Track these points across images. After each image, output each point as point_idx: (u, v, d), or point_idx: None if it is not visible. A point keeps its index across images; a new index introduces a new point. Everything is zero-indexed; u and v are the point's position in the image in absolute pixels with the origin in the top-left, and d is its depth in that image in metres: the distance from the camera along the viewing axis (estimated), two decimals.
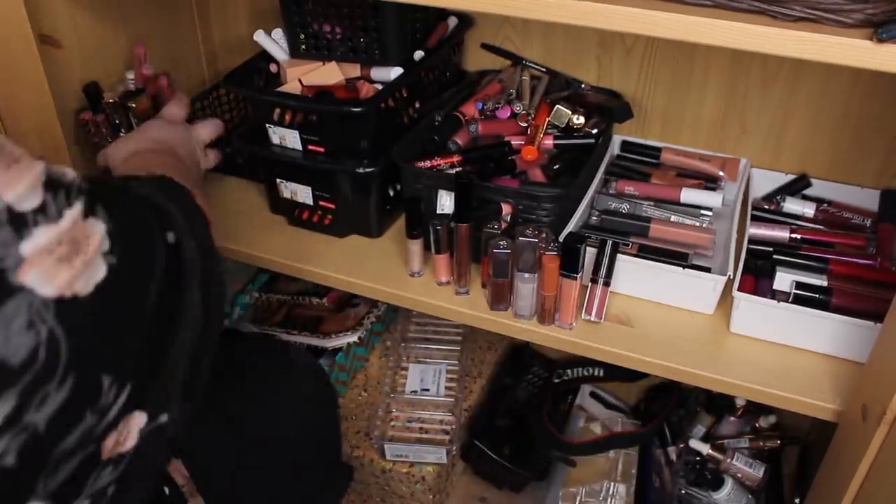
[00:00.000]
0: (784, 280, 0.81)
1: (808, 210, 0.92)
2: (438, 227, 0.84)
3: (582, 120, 0.96)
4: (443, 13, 1.03)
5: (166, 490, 0.71)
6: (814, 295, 0.79)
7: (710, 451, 1.05)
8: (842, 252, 0.85)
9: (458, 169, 0.91)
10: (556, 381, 1.24)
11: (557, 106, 0.95)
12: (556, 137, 0.95)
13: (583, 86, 1.03)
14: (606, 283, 0.81)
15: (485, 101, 1.00)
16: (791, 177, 0.97)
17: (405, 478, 1.09)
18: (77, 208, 0.43)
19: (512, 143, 0.96)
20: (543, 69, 1.04)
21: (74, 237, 0.42)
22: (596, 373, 1.22)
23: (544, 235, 0.79)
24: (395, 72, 0.94)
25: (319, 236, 0.98)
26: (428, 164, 0.90)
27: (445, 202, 0.87)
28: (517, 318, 0.84)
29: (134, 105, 0.98)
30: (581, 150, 0.95)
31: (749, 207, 0.92)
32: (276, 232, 1.00)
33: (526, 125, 0.97)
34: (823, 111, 0.94)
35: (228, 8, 1.19)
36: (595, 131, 0.95)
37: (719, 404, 1.13)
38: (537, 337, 0.84)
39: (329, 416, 0.90)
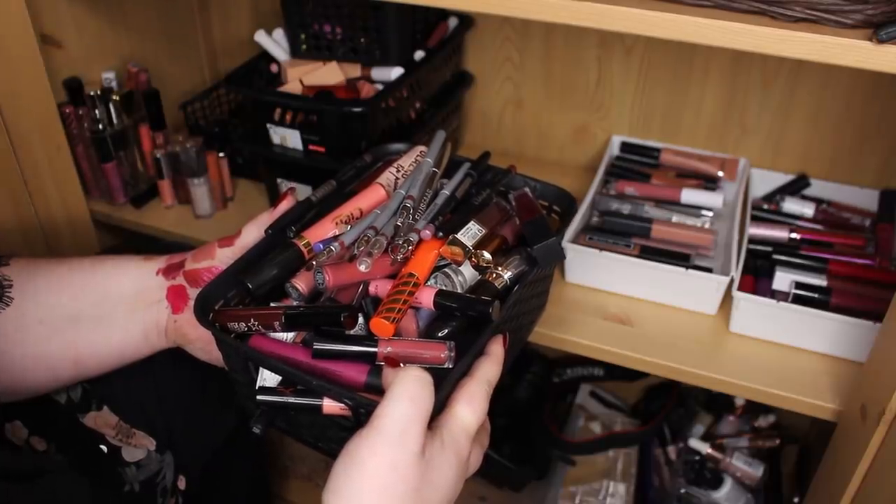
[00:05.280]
0: (783, 280, 0.81)
1: (808, 210, 0.93)
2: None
3: (489, 257, 0.62)
4: (443, 13, 1.03)
5: (104, 449, 0.71)
6: (813, 295, 0.79)
7: (710, 451, 1.05)
8: (841, 252, 0.85)
9: (282, 335, 0.60)
10: (556, 380, 1.24)
11: (455, 237, 0.61)
12: (441, 294, 0.59)
13: (525, 188, 0.70)
14: None
15: (328, 241, 0.63)
16: (790, 177, 0.97)
17: None
18: None
19: (363, 303, 0.62)
20: (469, 165, 0.72)
21: None
22: (596, 372, 1.22)
23: None
24: (396, 72, 0.94)
25: None
26: (242, 325, 0.58)
27: (268, 375, 0.59)
28: None
29: (115, 98, 0.99)
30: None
31: (749, 207, 0.92)
32: None
33: (396, 268, 0.62)
34: (823, 111, 0.94)
35: (229, 8, 1.19)
36: (508, 275, 0.62)
37: (719, 404, 1.13)
38: None
39: None
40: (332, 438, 0.59)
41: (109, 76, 1.03)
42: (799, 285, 0.80)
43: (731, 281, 0.80)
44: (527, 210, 0.66)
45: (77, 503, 0.62)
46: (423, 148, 0.73)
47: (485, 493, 1.21)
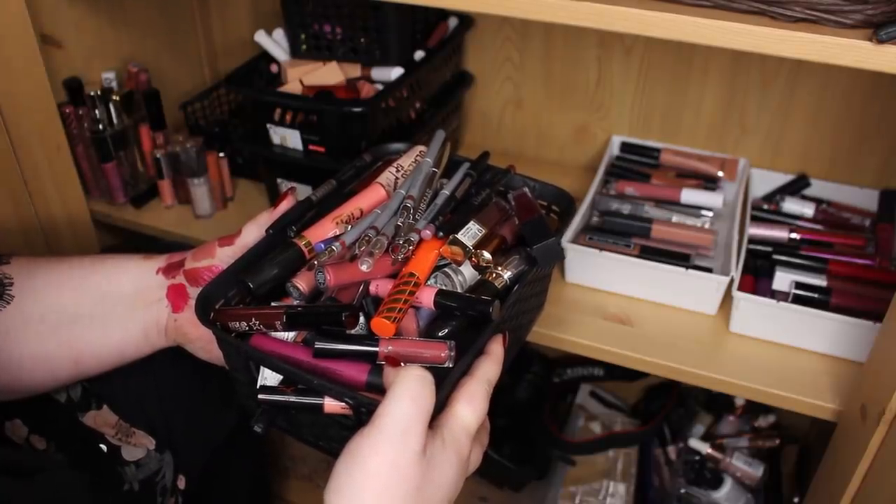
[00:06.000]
0: (783, 280, 0.81)
1: (808, 210, 0.93)
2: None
3: (489, 257, 0.62)
4: (443, 13, 1.03)
5: (104, 448, 0.71)
6: (813, 295, 0.79)
7: (710, 451, 1.05)
8: (841, 252, 0.85)
9: (283, 334, 0.59)
10: (556, 380, 1.24)
11: (455, 237, 0.62)
12: (441, 293, 0.60)
13: (525, 188, 0.70)
14: None
15: (329, 241, 0.63)
16: (790, 177, 0.97)
17: None
18: None
19: (363, 304, 0.62)
20: (469, 165, 0.72)
21: None
22: (596, 372, 1.22)
23: None
24: (396, 72, 0.94)
25: None
26: (244, 324, 0.58)
27: (269, 375, 0.59)
28: None
29: (116, 98, 1.00)
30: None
31: (749, 207, 0.92)
32: None
33: (397, 268, 0.62)
34: (823, 111, 0.94)
35: (229, 8, 1.19)
36: (508, 275, 0.62)
37: (719, 404, 1.13)
38: None
39: None
40: (332, 437, 0.59)
41: (109, 76, 1.03)
42: (799, 285, 0.80)
43: (731, 281, 0.80)
44: (526, 210, 0.67)
45: (76, 500, 0.62)
46: (422, 148, 0.73)
47: (485, 493, 1.21)
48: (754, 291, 0.81)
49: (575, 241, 0.88)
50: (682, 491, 1.04)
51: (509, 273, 0.62)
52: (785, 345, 0.80)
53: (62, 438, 0.69)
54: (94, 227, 1.04)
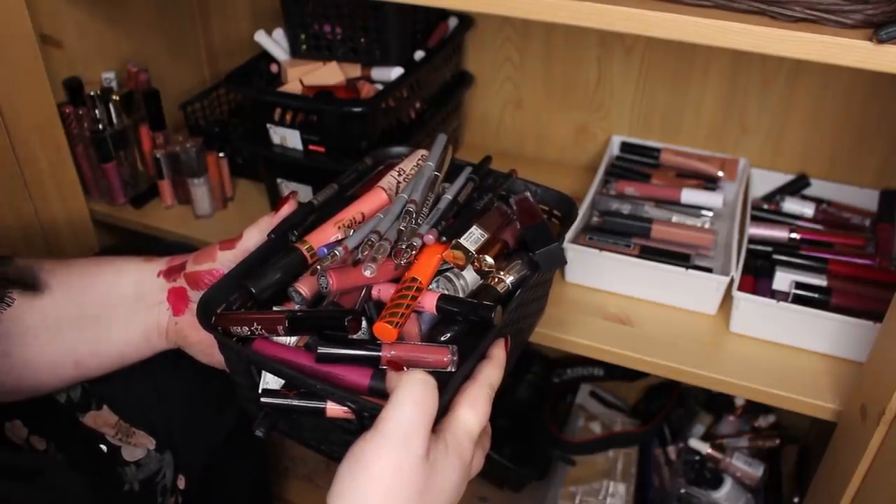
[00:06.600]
0: (783, 280, 0.81)
1: (808, 210, 0.93)
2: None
3: (491, 261, 0.62)
4: (443, 13, 1.03)
5: (104, 448, 0.71)
6: (813, 295, 0.79)
7: (710, 451, 1.05)
8: (841, 252, 0.85)
9: (285, 339, 0.60)
10: (556, 380, 1.24)
11: (458, 241, 0.62)
12: (444, 298, 0.59)
13: (526, 192, 0.70)
14: None
15: (332, 246, 0.62)
16: (790, 177, 0.97)
17: None
18: None
19: (365, 308, 0.63)
20: (471, 169, 0.71)
21: None
22: (596, 372, 1.22)
23: None
24: (396, 72, 0.94)
25: None
26: (245, 329, 0.58)
27: (270, 378, 0.59)
28: None
29: (115, 98, 1.00)
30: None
31: (749, 207, 0.92)
32: None
33: (399, 272, 0.61)
34: (823, 111, 0.94)
35: (229, 8, 1.19)
36: (510, 280, 0.62)
37: (719, 404, 1.13)
38: None
39: None
40: (334, 441, 0.59)
41: (109, 76, 1.03)
42: (799, 285, 0.80)
43: (731, 281, 0.80)
44: (528, 215, 0.66)
45: (76, 500, 0.62)
46: (424, 152, 0.73)
47: (485, 494, 1.21)
48: (754, 291, 0.81)
49: (575, 241, 0.88)
50: (682, 491, 1.04)
51: (511, 278, 0.62)
52: (785, 345, 0.80)
53: (62, 439, 0.69)
54: (94, 227, 1.04)
